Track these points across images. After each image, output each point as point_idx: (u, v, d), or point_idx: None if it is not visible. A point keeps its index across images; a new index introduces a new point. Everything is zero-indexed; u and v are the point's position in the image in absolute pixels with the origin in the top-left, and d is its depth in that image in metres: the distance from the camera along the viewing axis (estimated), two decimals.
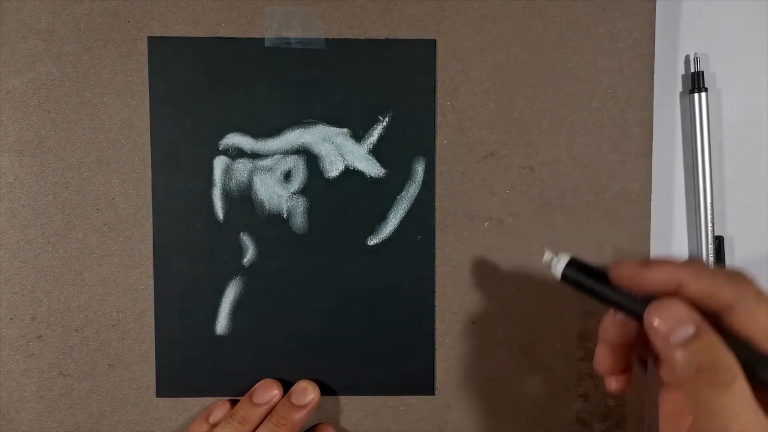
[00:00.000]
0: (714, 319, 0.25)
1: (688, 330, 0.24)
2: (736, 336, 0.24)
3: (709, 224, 0.38)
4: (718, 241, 0.39)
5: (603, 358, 0.28)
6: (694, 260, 0.26)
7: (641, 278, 0.25)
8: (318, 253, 0.38)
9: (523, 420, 0.38)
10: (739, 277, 0.25)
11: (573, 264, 0.29)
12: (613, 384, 0.29)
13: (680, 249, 0.40)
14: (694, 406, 0.24)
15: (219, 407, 0.37)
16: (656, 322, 0.24)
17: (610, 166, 0.38)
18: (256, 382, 0.38)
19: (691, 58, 0.39)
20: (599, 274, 0.28)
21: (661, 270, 0.25)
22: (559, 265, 0.29)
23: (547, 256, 0.30)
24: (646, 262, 0.26)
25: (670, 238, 0.40)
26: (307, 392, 0.37)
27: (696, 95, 0.38)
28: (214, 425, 0.36)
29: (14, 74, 0.37)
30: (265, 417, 0.36)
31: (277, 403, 0.37)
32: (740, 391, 0.23)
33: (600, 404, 0.38)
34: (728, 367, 0.23)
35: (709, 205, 0.38)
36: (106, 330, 0.38)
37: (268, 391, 0.37)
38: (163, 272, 0.37)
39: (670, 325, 0.24)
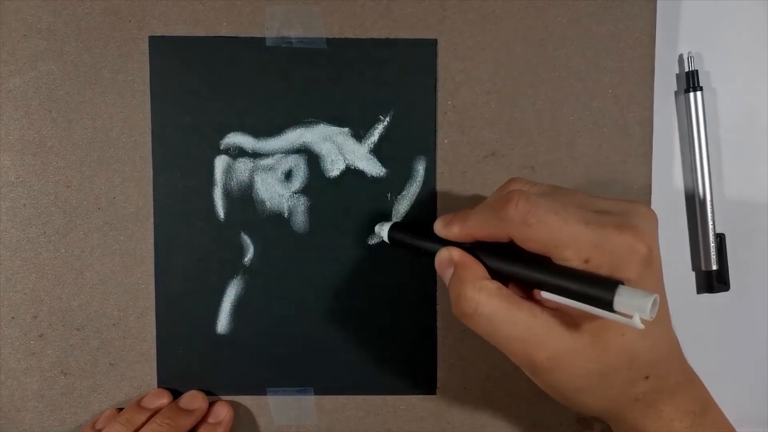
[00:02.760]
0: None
1: (449, 272, 0.29)
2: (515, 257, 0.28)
3: (710, 223, 0.39)
4: (720, 239, 0.39)
5: None
6: (484, 206, 0.29)
7: (448, 235, 0.30)
8: (319, 253, 0.38)
9: (524, 420, 0.38)
10: (500, 209, 0.27)
11: (396, 226, 0.35)
12: None
13: (681, 248, 0.40)
14: None
15: (106, 415, 0.37)
16: (436, 266, 0.30)
17: (611, 166, 0.38)
18: (257, 381, 0.38)
19: (685, 57, 0.39)
20: (420, 233, 0.32)
21: (455, 227, 0.29)
22: (384, 230, 0.35)
23: (377, 228, 0.36)
24: (450, 219, 0.30)
25: (671, 238, 0.40)
26: (197, 399, 0.37)
27: (691, 94, 0.38)
28: (100, 431, 0.36)
29: (15, 73, 0.37)
30: None
31: None
32: (485, 312, 0.27)
33: None
34: (467, 299, 0.27)
35: (708, 204, 0.39)
36: (107, 329, 0.38)
37: (158, 398, 0.37)
38: (164, 271, 0.37)
39: (440, 268, 0.30)
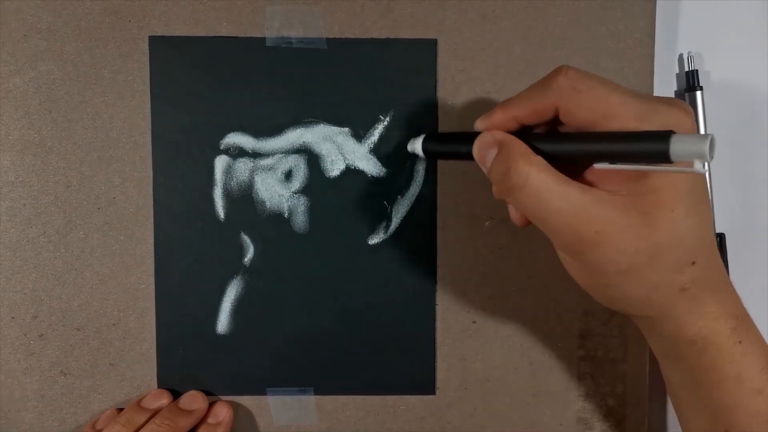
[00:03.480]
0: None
1: (492, 152, 0.28)
2: (559, 134, 0.28)
3: None
4: (720, 239, 0.39)
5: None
6: (528, 88, 0.29)
7: (492, 126, 0.29)
8: (319, 253, 0.38)
9: (524, 420, 0.38)
10: (550, 80, 0.27)
11: (429, 137, 0.33)
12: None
13: None
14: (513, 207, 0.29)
15: (106, 415, 0.37)
16: (474, 153, 0.29)
17: None
18: (256, 381, 0.38)
19: (685, 57, 0.39)
20: (454, 137, 0.32)
21: (497, 114, 0.29)
22: (417, 144, 0.33)
23: (409, 146, 0.34)
24: (490, 111, 0.29)
25: None
26: (197, 400, 0.37)
27: (692, 94, 0.38)
28: (100, 431, 0.36)
29: (15, 73, 0.37)
30: None
31: None
32: (535, 184, 0.26)
33: (600, 404, 0.38)
34: (518, 171, 0.26)
35: (708, 204, 0.39)
36: (107, 329, 0.38)
37: (158, 399, 0.37)
38: (164, 271, 0.37)
39: (481, 152, 0.28)
